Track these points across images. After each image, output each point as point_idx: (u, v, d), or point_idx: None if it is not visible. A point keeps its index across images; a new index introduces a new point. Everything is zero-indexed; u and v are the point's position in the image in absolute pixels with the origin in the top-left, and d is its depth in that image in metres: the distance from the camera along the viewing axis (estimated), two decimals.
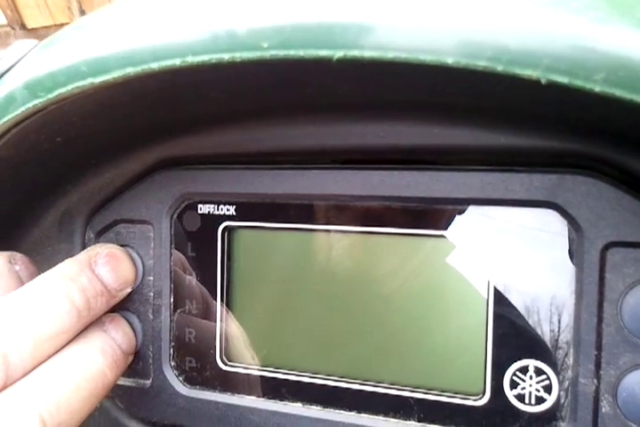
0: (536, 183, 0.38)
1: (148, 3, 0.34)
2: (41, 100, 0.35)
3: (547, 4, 0.26)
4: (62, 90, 0.34)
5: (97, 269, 0.45)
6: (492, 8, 0.26)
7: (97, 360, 0.43)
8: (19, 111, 0.36)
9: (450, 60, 0.26)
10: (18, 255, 0.48)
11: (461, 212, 0.41)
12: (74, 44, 0.34)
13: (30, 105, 0.35)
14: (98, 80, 0.32)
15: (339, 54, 0.27)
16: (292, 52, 0.28)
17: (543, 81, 0.26)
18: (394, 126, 0.41)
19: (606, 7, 0.26)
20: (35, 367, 0.40)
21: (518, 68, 0.26)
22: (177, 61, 0.30)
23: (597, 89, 0.25)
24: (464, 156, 0.41)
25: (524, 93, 0.30)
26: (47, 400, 0.38)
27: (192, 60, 0.30)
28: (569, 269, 0.38)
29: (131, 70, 0.31)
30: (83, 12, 3.77)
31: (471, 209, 0.41)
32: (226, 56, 0.29)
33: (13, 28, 3.99)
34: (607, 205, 0.37)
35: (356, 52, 0.27)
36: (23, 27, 3.98)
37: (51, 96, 0.34)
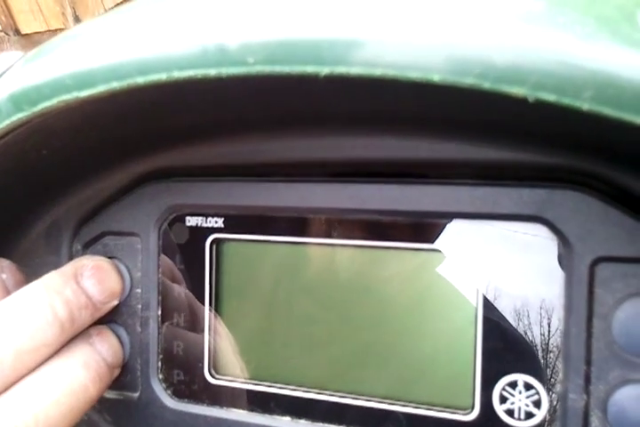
0: (525, 198, 0.38)
1: (134, 17, 0.34)
2: (25, 113, 0.34)
3: (533, 20, 0.26)
4: (47, 103, 0.33)
5: (82, 281, 0.45)
6: (479, 25, 0.26)
7: (79, 374, 0.42)
8: (3, 124, 0.36)
9: (436, 78, 0.26)
10: (5, 263, 0.48)
11: (451, 226, 0.41)
12: (59, 57, 0.34)
13: (15, 118, 0.35)
14: (83, 94, 0.32)
15: (325, 71, 0.27)
16: (278, 68, 0.28)
17: (530, 99, 0.25)
18: (383, 140, 0.41)
19: (594, 23, 0.26)
20: (16, 380, 0.39)
21: (505, 85, 0.25)
22: (163, 76, 0.30)
23: (585, 107, 0.25)
24: (453, 170, 0.41)
25: (513, 109, 0.29)
26: (25, 415, 0.38)
27: (178, 75, 0.30)
28: (558, 283, 0.38)
29: (116, 84, 0.31)
30: (77, 18, 3.76)
31: (460, 223, 0.40)
32: (212, 71, 0.29)
33: (7, 34, 3.98)
34: (596, 220, 0.37)
35: (342, 69, 0.27)
36: (17, 32, 3.98)
37: (35, 109, 0.34)
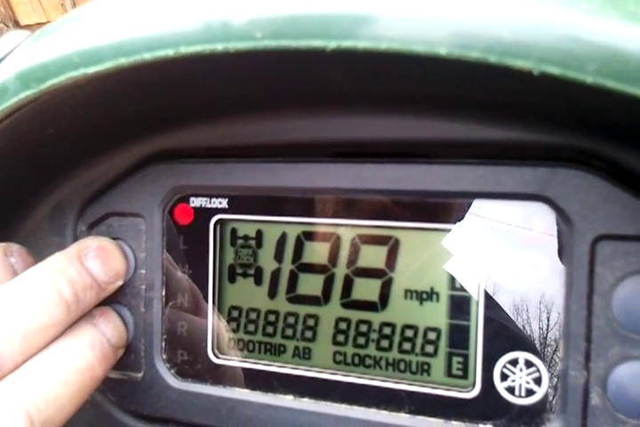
0: (527, 177, 0.38)
1: None
2: (33, 90, 0.35)
3: None
4: (55, 80, 0.34)
5: (86, 262, 0.45)
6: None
7: (85, 355, 0.43)
8: (11, 102, 0.36)
9: (443, 51, 0.26)
10: (15, 247, 0.48)
11: (453, 205, 0.41)
12: (66, 35, 0.34)
13: (22, 96, 0.35)
14: (90, 70, 0.32)
15: (332, 45, 0.27)
16: (286, 43, 0.28)
17: (535, 72, 0.26)
18: (386, 119, 0.41)
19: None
20: (25, 360, 0.40)
21: (511, 58, 0.26)
22: (170, 52, 0.30)
23: (590, 80, 0.25)
24: (456, 149, 0.41)
25: (517, 86, 0.30)
26: (34, 396, 0.38)
27: (185, 50, 0.30)
28: (559, 262, 0.39)
29: (123, 61, 0.32)
30: None
31: (463, 202, 0.41)
32: (219, 46, 0.29)
33: (7, 25, 3.97)
34: (597, 199, 0.37)
35: (349, 43, 0.27)
36: (16, 24, 3.96)
37: (43, 87, 0.34)
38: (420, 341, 0.43)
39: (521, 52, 0.26)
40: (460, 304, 0.41)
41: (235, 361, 0.48)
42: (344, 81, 0.36)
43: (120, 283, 0.48)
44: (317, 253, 0.45)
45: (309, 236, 0.46)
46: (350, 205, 0.44)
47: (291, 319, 0.46)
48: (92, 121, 0.43)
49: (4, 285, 0.42)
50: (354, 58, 0.29)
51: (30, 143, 0.43)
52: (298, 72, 0.35)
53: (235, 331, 0.48)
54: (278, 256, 0.46)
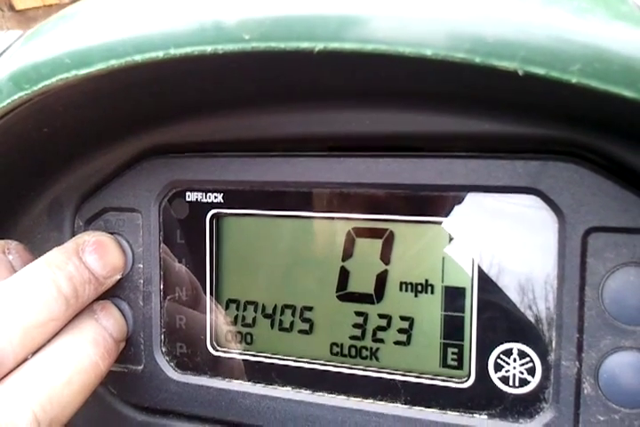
0: (519, 170, 0.39)
1: None
2: (26, 91, 0.35)
3: None
4: (47, 82, 0.34)
5: (84, 256, 0.46)
6: (470, 0, 0.26)
7: (89, 352, 0.43)
8: (5, 103, 0.36)
9: (428, 52, 0.26)
10: (12, 244, 0.48)
11: (446, 198, 0.41)
12: (58, 37, 0.34)
13: (16, 97, 0.35)
14: (81, 72, 0.33)
15: (319, 47, 0.28)
16: (274, 45, 0.29)
17: (520, 72, 0.26)
18: (378, 113, 0.41)
19: None
20: (26, 356, 0.40)
21: (495, 59, 0.26)
22: (160, 54, 0.31)
23: (574, 80, 0.26)
24: (448, 143, 0.41)
25: (505, 82, 0.30)
26: (40, 396, 0.38)
27: (175, 52, 0.30)
28: (551, 254, 0.39)
29: (114, 62, 0.32)
30: None
31: (456, 195, 0.41)
32: (208, 48, 0.30)
33: (2, 10, 3.94)
34: (589, 191, 0.37)
35: (336, 45, 0.27)
36: (12, 8, 3.93)
37: (36, 88, 0.34)
38: (415, 332, 0.43)
39: (505, 52, 0.26)
40: (454, 296, 0.42)
41: (233, 353, 0.48)
42: (334, 78, 0.37)
43: (118, 277, 0.49)
44: (313, 246, 0.46)
45: (304, 229, 0.46)
46: (345, 199, 0.44)
47: (288, 312, 0.47)
48: (87, 119, 0.43)
49: (2, 282, 0.42)
50: (342, 58, 0.29)
51: (26, 141, 0.44)
52: (288, 70, 0.35)
53: (233, 324, 0.48)
54: (274, 250, 0.47)
